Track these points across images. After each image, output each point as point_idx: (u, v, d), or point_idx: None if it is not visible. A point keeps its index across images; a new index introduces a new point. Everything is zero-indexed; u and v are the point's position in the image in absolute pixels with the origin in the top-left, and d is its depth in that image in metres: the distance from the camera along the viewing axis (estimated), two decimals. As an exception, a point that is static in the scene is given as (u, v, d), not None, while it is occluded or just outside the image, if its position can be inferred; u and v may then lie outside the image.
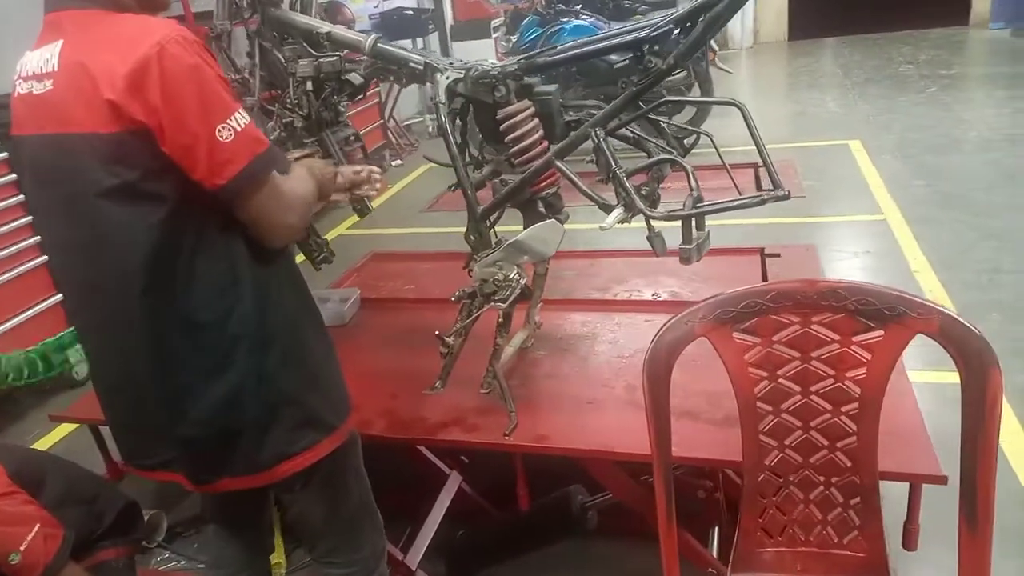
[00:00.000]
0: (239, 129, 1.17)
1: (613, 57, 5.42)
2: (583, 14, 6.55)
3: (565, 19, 6.34)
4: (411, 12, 7.98)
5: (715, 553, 1.93)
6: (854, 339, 1.28)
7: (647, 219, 1.60)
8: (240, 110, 1.20)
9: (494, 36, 8.21)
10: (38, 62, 1.22)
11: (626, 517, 2.03)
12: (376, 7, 7.72)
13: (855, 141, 5.59)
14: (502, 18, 8.47)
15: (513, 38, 6.95)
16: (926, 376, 2.30)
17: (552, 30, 6.22)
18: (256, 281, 1.30)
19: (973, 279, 3.40)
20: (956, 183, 4.61)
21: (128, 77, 1.11)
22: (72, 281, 1.34)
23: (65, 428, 3.13)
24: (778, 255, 2.64)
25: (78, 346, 3.48)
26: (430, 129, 7.98)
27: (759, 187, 2.37)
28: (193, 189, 1.18)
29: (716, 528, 1.99)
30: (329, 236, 4.77)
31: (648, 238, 1.64)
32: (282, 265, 1.38)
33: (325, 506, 1.51)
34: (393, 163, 6.91)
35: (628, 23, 2.93)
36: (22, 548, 1.55)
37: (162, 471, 1.41)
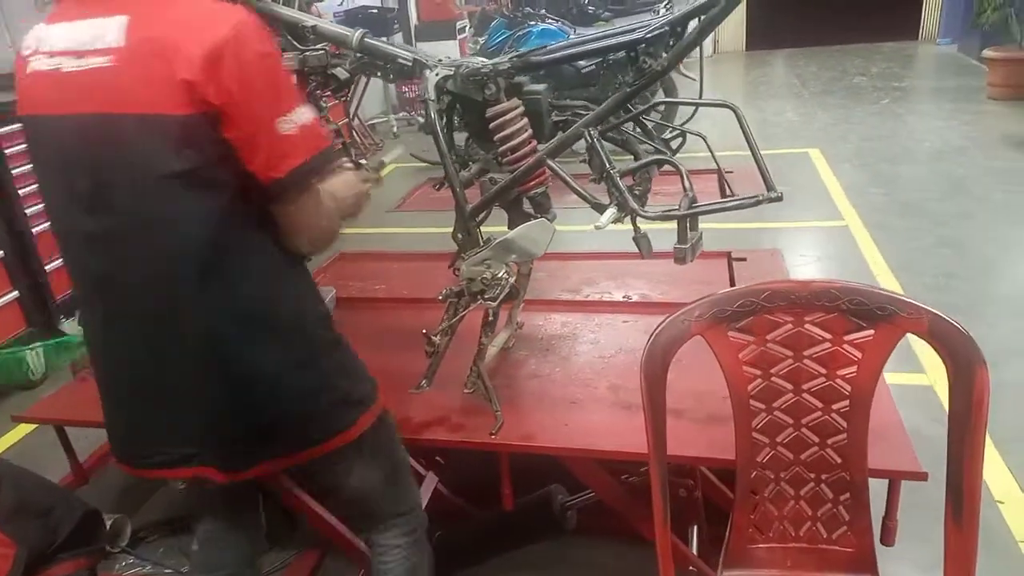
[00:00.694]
0: (303, 123, 1.17)
1: (580, 63, 5.49)
2: (548, 18, 6.61)
3: (532, 23, 6.38)
4: (376, 11, 7.93)
5: (695, 551, 1.95)
6: (846, 338, 1.31)
7: (634, 220, 1.62)
8: (305, 104, 1.19)
9: (459, 38, 8.20)
10: (77, 38, 1.15)
11: (606, 517, 2.04)
12: (340, 4, 7.65)
13: (815, 149, 5.74)
14: (466, 20, 8.47)
15: (481, 40, 6.97)
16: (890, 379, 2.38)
17: (520, 33, 6.25)
18: (296, 274, 1.34)
19: (932, 282, 3.52)
20: (911, 191, 4.77)
21: (205, 58, 1.08)
22: (94, 270, 1.26)
23: (20, 431, 3.01)
24: (744, 259, 2.70)
25: (36, 349, 3.37)
26: (395, 129, 7.92)
27: (723, 194, 2.42)
28: (246, 180, 1.17)
29: (695, 527, 2.01)
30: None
31: (634, 239, 1.65)
32: (302, 261, 1.40)
33: (380, 469, 1.54)
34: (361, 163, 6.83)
35: (607, 27, 2.95)
36: None
37: (178, 468, 1.36)
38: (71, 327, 3.68)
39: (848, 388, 1.32)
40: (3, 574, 1.51)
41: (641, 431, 1.37)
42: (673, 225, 1.53)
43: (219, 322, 1.23)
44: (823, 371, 1.33)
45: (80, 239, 1.24)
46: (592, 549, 2.17)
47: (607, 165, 1.61)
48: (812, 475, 1.36)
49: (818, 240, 4.27)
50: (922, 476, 1.49)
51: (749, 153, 1.54)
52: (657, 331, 1.31)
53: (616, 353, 2.15)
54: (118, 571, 2.30)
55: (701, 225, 1.57)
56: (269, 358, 1.28)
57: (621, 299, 2.51)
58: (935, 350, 1.25)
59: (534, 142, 1.78)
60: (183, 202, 1.15)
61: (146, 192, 1.15)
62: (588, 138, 1.63)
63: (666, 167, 1.66)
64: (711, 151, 1.56)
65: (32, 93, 1.21)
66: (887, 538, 1.56)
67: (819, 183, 5.09)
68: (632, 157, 1.82)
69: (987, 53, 6.94)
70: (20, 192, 3.41)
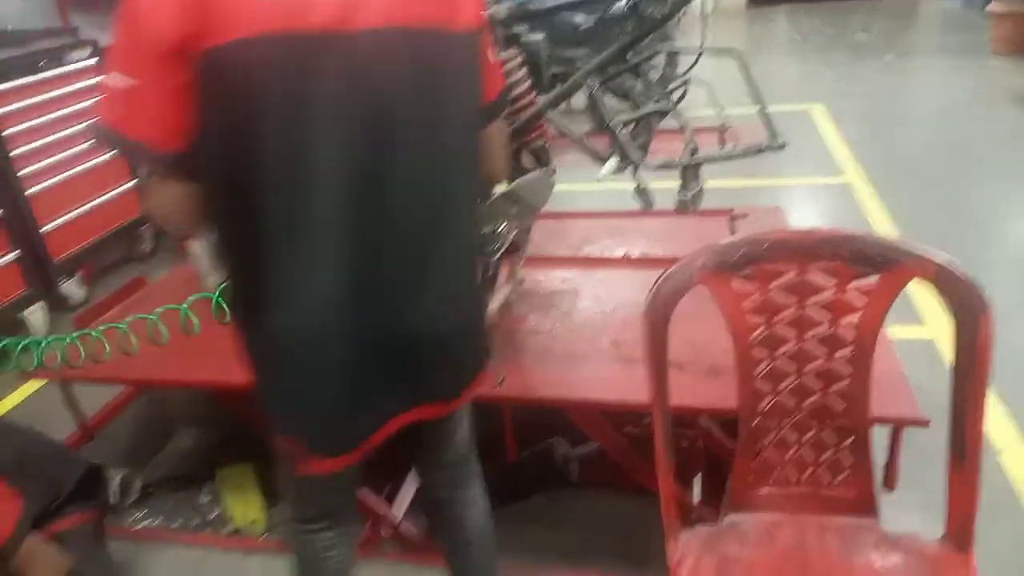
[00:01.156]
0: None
1: (578, 19, 5.40)
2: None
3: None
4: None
5: (697, 501, 1.97)
6: (850, 285, 1.30)
7: (636, 172, 1.61)
8: None
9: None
10: None
11: (607, 469, 2.07)
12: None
13: (818, 105, 5.68)
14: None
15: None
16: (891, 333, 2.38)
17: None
18: None
19: (932, 239, 3.48)
20: (912, 148, 4.74)
21: None
22: (357, 220, 1.08)
23: (25, 391, 3.02)
24: (746, 215, 2.68)
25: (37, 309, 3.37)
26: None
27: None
28: None
29: (698, 476, 2.03)
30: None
31: (636, 191, 1.64)
32: None
33: (470, 414, 1.52)
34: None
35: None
36: None
37: (400, 416, 1.26)
38: (69, 288, 3.68)
39: (852, 335, 1.32)
40: (11, 526, 1.53)
41: (643, 383, 1.38)
42: (672, 185, 1.52)
43: (470, 244, 1.27)
44: (827, 318, 1.32)
45: (341, 182, 1.06)
46: (594, 501, 2.19)
47: (607, 116, 1.59)
48: (814, 422, 1.37)
49: (819, 197, 4.25)
50: (923, 422, 1.51)
51: (746, 110, 1.52)
52: (660, 280, 1.31)
53: (617, 308, 2.15)
54: (128, 526, 2.32)
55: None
56: (476, 278, 1.32)
57: (621, 256, 2.50)
58: (940, 297, 1.25)
59: (534, 93, 1.75)
60: (476, 128, 1.16)
61: (464, 125, 1.12)
62: (589, 88, 1.61)
63: (666, 123, 1.64)
64: (714, 100, 1.54)
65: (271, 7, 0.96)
66: (889, 483, 1.58)
67: (820, 140, 5.05)
68: (632, 108, 1.79)
69: (992, 7, 6.83)
70: (11, 154, 3.37)
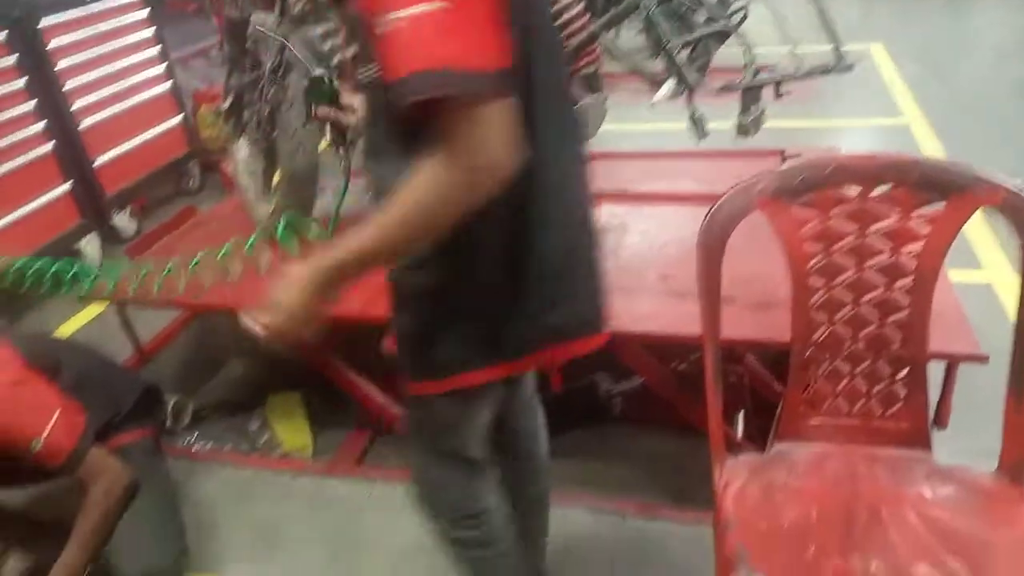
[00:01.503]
0: None
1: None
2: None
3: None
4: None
5: (740, 436, 1.97)
6: (914, 213, 1.26)
7: (691, 97, 1.56)
8: None
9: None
10: None
11: (649, 406, 2.07)
12: None
13: (876, 44, 5.44)
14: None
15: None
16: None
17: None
18: None
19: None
20: (975, 89, 4.52)
21: None
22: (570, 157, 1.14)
23: (85, 317, 3.13)
24: (799, 156, 2.60)
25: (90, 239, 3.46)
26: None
27: (778, 94, 2.32)
28: None
29: (742, 413, 2.02)
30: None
31: (691, 119, 1.60)
32: None
33: None
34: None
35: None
36: (44, 435, 1.54)
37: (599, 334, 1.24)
38: (121, 221, 3.76)
39: (913, 264, 1.28)
40: (76, 437, 1.59)
41: (692, 317, 1.36)
42: (724, 124, 1.47)
43: None
44: (888, 247, 1.29)
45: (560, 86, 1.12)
46: (635, 436, 2.20)
47: (665, 37, 1.54)
48: (869, 353, 1.34)
49: (877, 139, 4.10)
50: (982, 358, 1.47)
51: (804, 49, 1.46)
52: (718, 204, 1.28)
53: (665, 244, 2.12)
54: (181, 447, 2.41)
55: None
56: None
57: (670, 192, 2.45)
58: (1010, 225, 1.20)
59: (588, 15, 1.70)
60: None
61: None
62: (645, 9, 1.56)
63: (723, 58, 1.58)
64: (778, 17, 1.47)
65: None
66: (941, 420, 1.55)
67: (879, 80, 4.85)
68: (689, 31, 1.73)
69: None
70: (64, 88, 3.42)
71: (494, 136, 0.87)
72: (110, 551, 1.65)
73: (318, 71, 1.33)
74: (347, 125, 1.43)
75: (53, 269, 2.16)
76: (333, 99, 1.41)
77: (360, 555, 1.90)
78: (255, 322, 1.02)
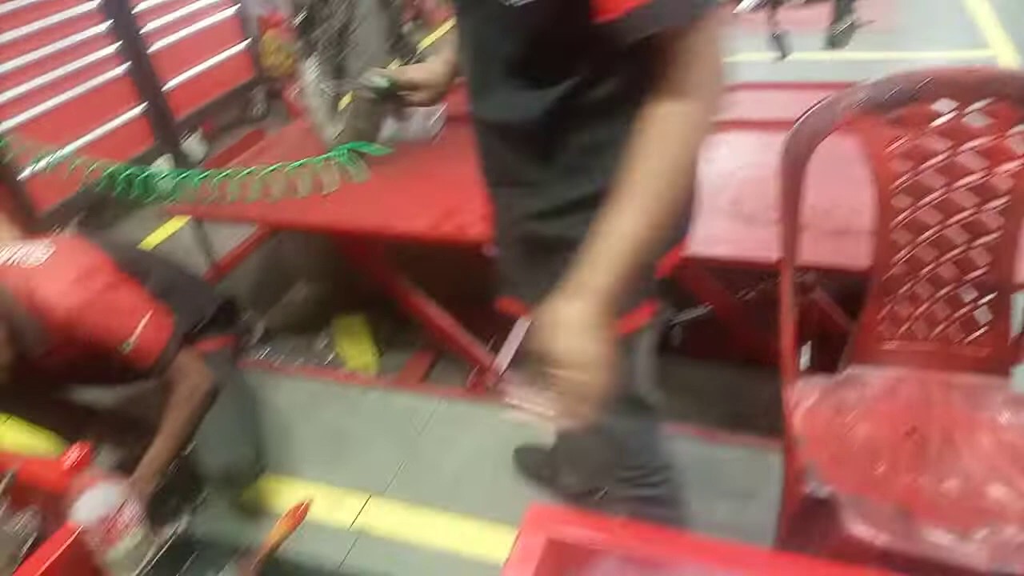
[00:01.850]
0: None
1: None
2: None
3: None
4: None
5: (802, 368, 1.95)
6: (1011, 130, 1.21)
7: (774, 10, 1.50)
8: None
9: None
10: None
11: (709, 338, 2.06)
12: None
13: (963, -28, 5.10)
14: None
15: None
16: None
17: None
18: None
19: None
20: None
21: None
22: None
23: (162, 233, 3.24)
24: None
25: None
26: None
27: (836, 18, 2.19)
28: None
29: (808, 344, 2.00)
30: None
31: (774, 36, 1.54)
32: None
33: None
34: None
35: None
36: (134, 337, 1.61)
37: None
38: (190, 145, 3.84)
39: (1007, 185, 1.23)
40: (165, 339, 1.67)
41: (763, 242, 1.33)
42: (800, 55, 1.40)
43: None
44: (981, 166, 1.24)
45: None
46: (691, 368, 2.20)
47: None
48: (952, 276, 1.31)
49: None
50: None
51: None
52: (804, 117, 1.25)
53: (736, 168, 2.07)
54: (254, 360, 2.51)
55: (827, 55, 1.43)
56: None
57: (740, 119, 2.38)
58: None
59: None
60: None
61: None
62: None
63: None
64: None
65: None
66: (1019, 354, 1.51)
67: (965, 11, 4.56)
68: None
69: None
70: (134, 10, 3.46)
71: (722, 54, 0.82)
72: (196, 447, 1.75)
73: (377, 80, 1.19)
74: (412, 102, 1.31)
75: (144, 175, 2.23)
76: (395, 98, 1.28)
77: (425, 464, 1.98)
78: (541, 410, 0.81)
